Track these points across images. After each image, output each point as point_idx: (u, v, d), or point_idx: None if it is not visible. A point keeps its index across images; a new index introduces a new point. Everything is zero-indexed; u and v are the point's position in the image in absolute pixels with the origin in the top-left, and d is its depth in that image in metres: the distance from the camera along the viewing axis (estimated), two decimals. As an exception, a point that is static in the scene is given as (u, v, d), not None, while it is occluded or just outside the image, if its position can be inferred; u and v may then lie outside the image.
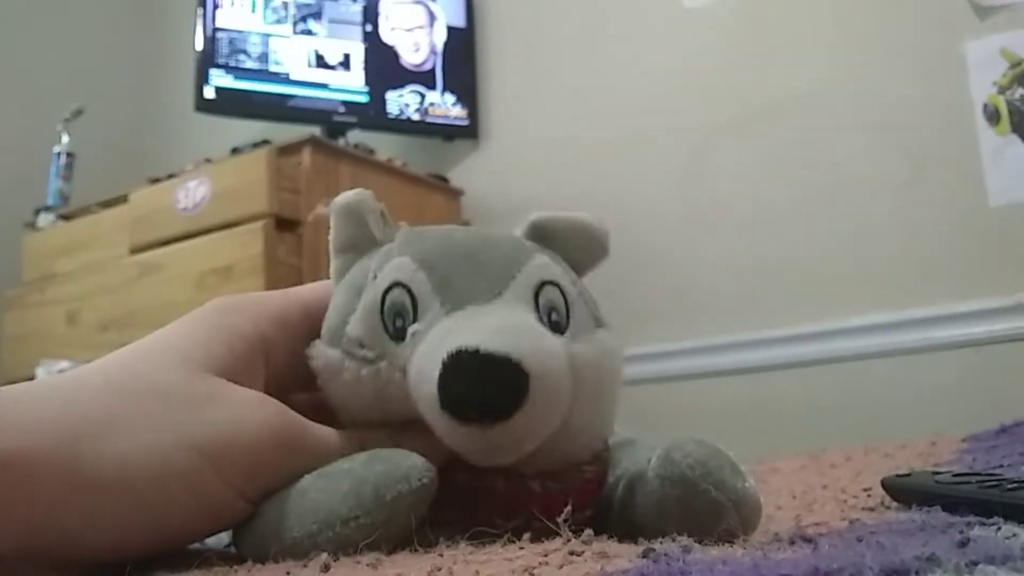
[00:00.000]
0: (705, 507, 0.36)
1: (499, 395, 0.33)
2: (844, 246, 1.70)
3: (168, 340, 0.39)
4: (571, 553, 0.28)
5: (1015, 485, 0.41)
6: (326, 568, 0.29)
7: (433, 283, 0.38)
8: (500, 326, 0.35)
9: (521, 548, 0.30)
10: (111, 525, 0.33)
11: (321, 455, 0.37)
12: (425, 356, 0.35)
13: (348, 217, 0.42)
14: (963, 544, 0.28)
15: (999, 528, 0.34)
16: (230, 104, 2.08)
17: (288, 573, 0.29)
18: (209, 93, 2.04)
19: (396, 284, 0.38)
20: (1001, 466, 0.64)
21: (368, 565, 0.29)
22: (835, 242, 1.71)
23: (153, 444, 0.33)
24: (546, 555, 0.28)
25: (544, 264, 0.41)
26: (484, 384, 0.33)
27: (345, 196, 0.42)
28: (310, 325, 0.42)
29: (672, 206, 1.91)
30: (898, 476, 0.51)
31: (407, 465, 0.34)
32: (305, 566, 0.30)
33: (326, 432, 0.39)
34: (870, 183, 1.69)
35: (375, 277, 0.39)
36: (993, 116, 1.60)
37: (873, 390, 1.61)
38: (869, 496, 0.53)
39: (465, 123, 2.20)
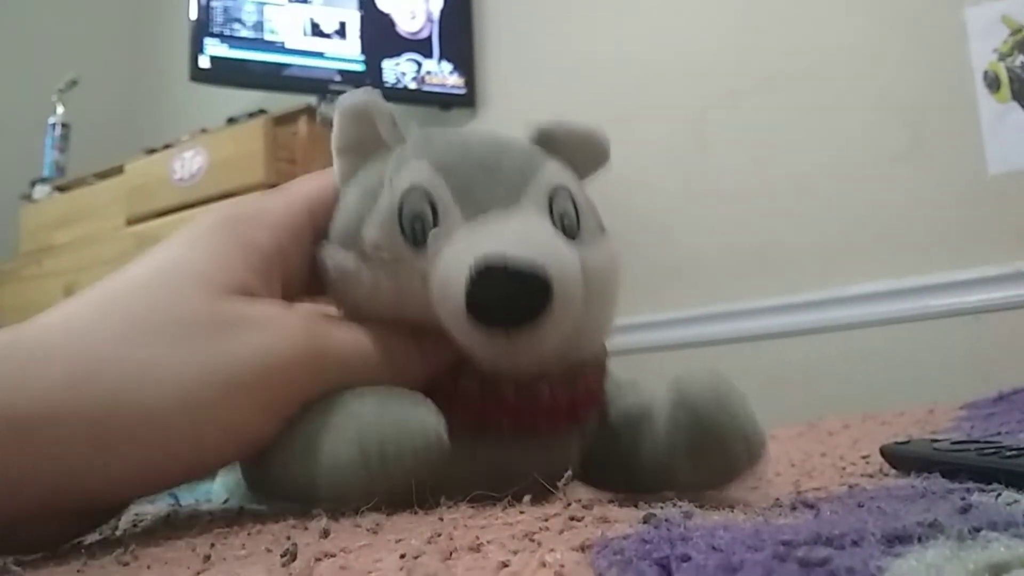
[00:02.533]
0: (713, 431, 0.37)
1: (527, 301, 0.34)
2: (843, 215, 1.69)
3: (184, 260, 0.37)
4: (571, 518, 0.28)
5: (1014, 452, 0.41)
6: (325, 534, 0.29)
7: (452, 188, 0.38)
8: (523, 234, 0.36)
9: (521, 512, 0.30)
10: (141, 473, 0.32)
11: (348, 365, 0.37)
12: (449, 262, 0.35)
13: (356, 117, 0.41)
14: (964, 510, 0.28)
15: (999, 494, 0.34)
16: (225, 73, 2.06)
17: (288, 537, 0.29)
18: (204, 63, 2.03)
19: (414, 188, 0.38)
20: (999, 433, 0.64)
21: (368, 530, 0.29)
22: (834, 211, 1.70)
23: (185, 387, 0.32)
24: (546, 519, 0.28)
25: (556, 170, 0.41)
26: (513, 291, 0.33)
27: (353, 95, 0.41)
28: (315, 224, 0.41)
29: (671, 177, 1.90)
30: (897, 443, 0.51)
31: (416, 423, 0.34)
32: (306, 528, 0.30)
33: (349, 339, 0.37)
34: (869, 151, 1.68)
35: (391, 180, 0.39)
36: (993, 83, 1.59)
37: (871, 358, 1.61)
38: (868, 463, 0.53)
39: (462, 92, 2.19)
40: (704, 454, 0.37)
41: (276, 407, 0.35)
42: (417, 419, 0.34)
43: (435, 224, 0.37)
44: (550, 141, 0.43)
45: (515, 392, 0.38)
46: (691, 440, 0.38)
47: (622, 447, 0.42)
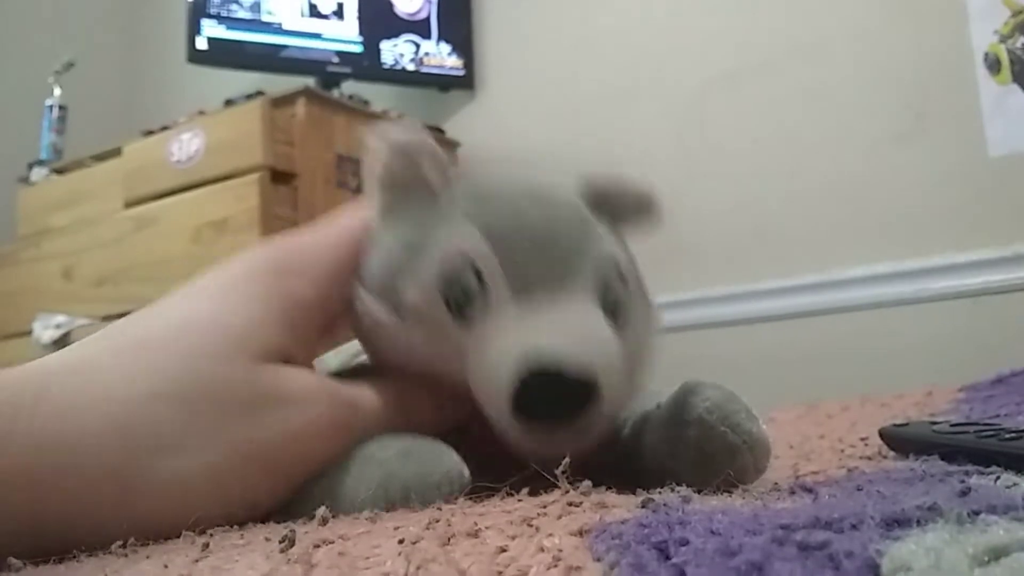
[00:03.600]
0: (720, 449, 0.37)
1: (574, 404, 0.33)
2: (842, 197, 1.69)
3: (217, 318, 0.35)
4: (569, 504, 0.28)
5: (1013, 435, 0.41)
6: (324, 521, 0.29)
7: (503, 259, 0.37)
8: (574, 329, 0.35)
9: (519, 500, 0.31)
10: (159, 526, 0.32)
11: (368, 430, 0.36)
12: (496, 354, 0.35)
13: (407, 157, 0.40)
14: (964, 493, 0.28)
15: (998, 477, 0.34)
16: (223, 55, 2.05)
17: (287, 525, 0.29)
18: (201, 44, 2.02)
19: (462, 256, 0.37)
20: (998, 416, 0.64)
21: (366, 517, 0.29)
22: (833, 193, 1.70)
23: (207, 459, 0.32)
24: (544, 507, 0.28)
25: (610, 251, 0.40)
26: (561, 395, 0.33)
27: (404, 130, 0.40)
28: (354, 266, 0.40)
29: (670, 157, 1.90)
30: (895, 426, 0.51)
31: (442, 471, 0.34)
32: (304, 518, 0.30)
33: (373, 405, 0.37)
34: (869, 133, 1.67)
35: (438, 242, 0.37)
36: (994, 65, 1.58)
37: (870, 341, 1.62)
38: (866, 446, 0.53)
39: (461, 73, 2.18)
40: (712, 466, 0.37)
41: (297, 476, 0.35)
42: (442, 465, 0.34)
43: (481, 297, 0.36)
44: (602, 198, 0.42)
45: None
46: (699, 453, 0.37)
47: (622, 452, 0.42)
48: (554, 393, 0.33)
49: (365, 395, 0.37)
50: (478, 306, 0.36)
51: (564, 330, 0.35)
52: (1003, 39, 1.58)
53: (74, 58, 2.29)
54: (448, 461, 0.34)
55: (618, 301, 0.39)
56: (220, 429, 0.33)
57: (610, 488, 0.33)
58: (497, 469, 0.36)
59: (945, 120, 1.60)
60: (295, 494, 0.35)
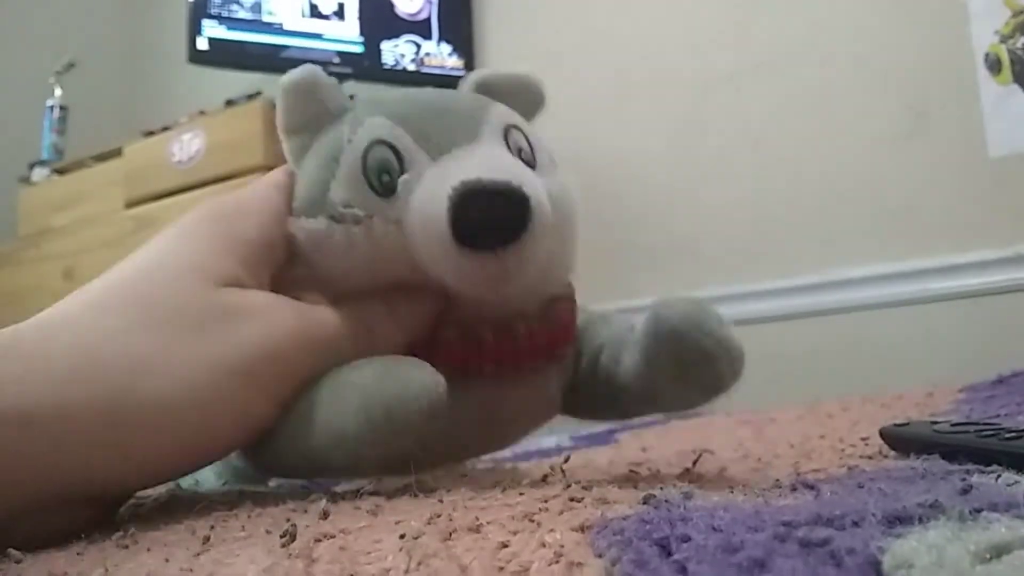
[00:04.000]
0: (697, 356, 0.38)
1: (511, 217, 0.34)
2: (843, 197, 1.69)
3: (176, 253, 0.38)
4: (571, 499, 0.28)
5: (1013, 434, 0.41)
6: (325, 515, 0.29)
7: (413, 136, 0.38)
8: (492, 160, 0.37)
9: (521, 494, 0.31)
10: (151, 462, 0.33)
11: (336, 347, 0.37)
12: (426, 196, 0.36)
13: (302, 93, 0.43)
14: (965, 491, 0.28)
15: (999, 476, 0.34)
16: (223, 55, 2.05)
17: (288, 519, 0.29)
18: (202, 44, 2.02)
19: (376, 142, 0.39)
20: (999, 416, 0.64)
21: (368, 512, 0.29)
22: (834, 193, 1.70)
23: (192, 376, 0.33)
24: (546, 501, 0.28)
25: (504, 111, 0.42)
26: (496, 208, 0.34)
27: (292, 72, 0.43)
28: (289, 209, 0.42)
29: (671, 158, 1.90)
30: (896, 425, 0.51)
31: (418, 384, 0.34)
32: (306, 511, 0.30)
33: (334, 319, 0.38)
34: (870, 133, 1.67)
35: (349, 141, 0.39)
36: (995, 65, 1.58)
37: (871, 341, 1.61)
38: (867, 445, 0.53)
39: (461, 74, 2.18)
40: (690, 375, 0.39)
41: (277, 390, 0.36)
42: (417, 380, 0.34)
43: (402, 172, 0.38)
44: (488, 90, 0.45)
45: (494, 334, 0.39)
46: (676, 364, 0.39)
47: (602, 377, 0.43)
48: (489, 207, 0.34)
49: (327, 312, 0.38)
50: (403, 178, 0.38)
51: (481, 161, 0.36)
52: (1004, 39, 1.58)
53: (75, 58, 2.29)
54: (423, 374, 0.35)
55: (526, 152, 0.41)
56: (194, 349, 0.33)
57: (611, 482, 0.33)
58: (470, 379, 0.38)
59: (946, 120, 1.60)
60: (281, 419, 0.36)
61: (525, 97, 0.46)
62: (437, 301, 0.39)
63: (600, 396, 0.45)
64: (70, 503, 0.32)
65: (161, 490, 0.46)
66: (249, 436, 0.36)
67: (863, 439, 0.56)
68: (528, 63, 2.11)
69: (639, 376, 0.41)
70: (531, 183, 0.36)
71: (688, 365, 0.38)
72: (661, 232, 1.87)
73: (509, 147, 0.40)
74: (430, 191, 0.36)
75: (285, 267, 0.41)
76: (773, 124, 1.78)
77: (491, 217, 0.34)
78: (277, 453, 0.37)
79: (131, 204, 1.91)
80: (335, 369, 0.36)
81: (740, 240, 1.79)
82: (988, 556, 0.19)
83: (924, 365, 1.49)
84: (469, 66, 2.18)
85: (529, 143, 0.42)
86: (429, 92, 0.43)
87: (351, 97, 0.44)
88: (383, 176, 0.38)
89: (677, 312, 0.39)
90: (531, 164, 0.40)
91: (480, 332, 0.39)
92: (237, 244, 0.38)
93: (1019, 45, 1.57)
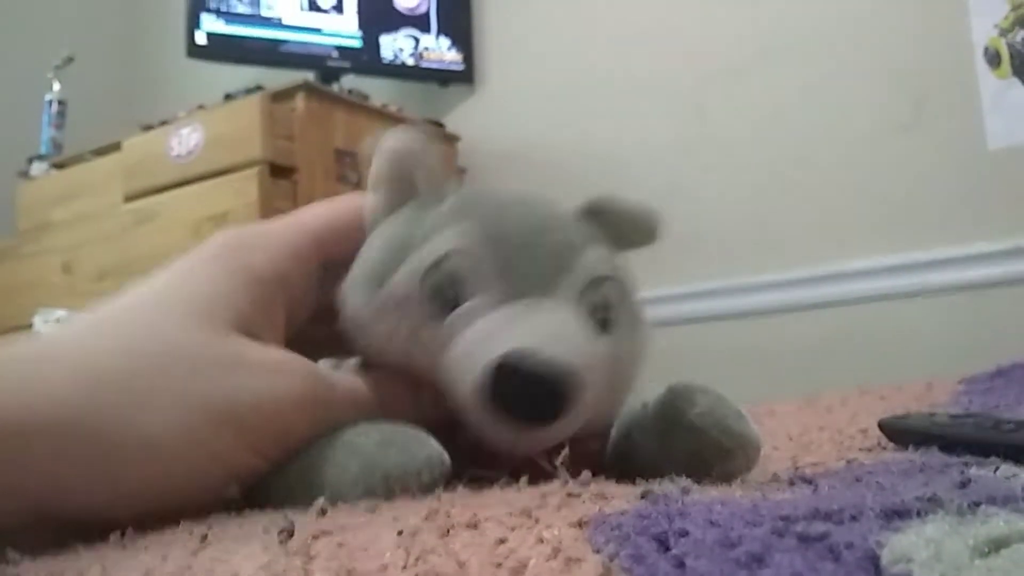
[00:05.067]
0: (714, 453, 0.37)
1: (545, 403, 0.33)
2: (842, 190, 1.69)
3: (184, 289, 0.36)
4: (569, 495, 0.28)
5: (1012, 426, 0.41)
6: (323, 512, 0.29)
7: (492, 262, 0.36)
8: (554, 330, 0.35)
9: (518, 491, 0.30)
10: (131, 494, 0.32)
11: (347, 414, 0.36)
12: (473, 347, 0.35)
13: (396, 163, 0.40)
14: (963, 485, 0.28)
15: (997, 468, 0.34)
16: (222, 49, 2.05)
17: (286, 516, 0.29)
18: (200, 38, 2.02)
19: (458, 252, 0.37)
20: (997, 407, 0.64)
21: (365, 509, 0.29)
22: (833, 186, 1.70)
23: (179, 416, 0.32)
24: (544, 497, 0.28)
25: (598, 258, 0.39)
26: (533, 393, 0.33)
27: (398, 136, 0.40)
28: (322, 250, 0.40)
29: (671, 150, 1.90)
30: (895, 418, 0.51)
31: (422, 457, 0.33)
32: (303, 509, 0.30)
33: (351, 387, 0.38)
34: (870, 126, 1.67)
35: (427, 237, 0.37)
36: (994, 59, 1.58)
37: (870, 333, 1.62)
38: (866, 437, 0.53)
39: (460, 68, 2.18)
40: (703, 465, 0.37)
41: (272, 447, 0.35)
42: (423, 453, 0.34)
43: (464, 294, 0.36)
44: (599, 216, 0.42)
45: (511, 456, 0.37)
46: (692, 459, 0.37)
47: (609, 456, 0.42)
48: (529, 390, 0.33)
49: (341, 377, 0.38)
50: (461, 302, 0.36)
51: (543, 331, 0.34)
52: (1003, 33, 1.58)
53: (74, 53, 2.28)
54: (429, 448, 0.34)
55: (607, 307, 0.39)
56: (192, 388, 0.33)
57: (609, 477, 0.33)
58: (480, 464, 0.36)
59: (945, 113, 1.60)
60: (272, 473, 0.35)
61: (637, 232, 0.43)
62: None
63: (607, 470, 0.43)
64: (44, 527, 0.31)
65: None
66: (235, 482, 0.35)
67: (862, 431, 0.56)
68: (527, 58, 2.11)
69: (648, 458, 0.39)
70: (584, 357, 0.34)
71: (704, 460, 0.37)
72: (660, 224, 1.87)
73: (587, 303, 0.38)
74: (480, 342, 0.35)
75: (313, 321, 0.40)
76: (773, 117, 1.78)
77: (526, 399, 0.33)
78: (270, 501, 0.35)
79: (130, 198, 1.91)
80: (342, 428, 0.36)
81: (739, 232, 1.79)
82: (987, 550, 0.19)
83: (923, 357, 1.49)
84: (468, 60, 2.18)
85: (616, 294, 0.40)
86: (531, 211, 0.39)
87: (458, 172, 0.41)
88: (443, 290, 0.36)
89: (695, 407, 0.38)
90: (608, 325, 0.38)
91: (496, 451, 0.37)
92: (248, 280, 0.37)
93: (1018, 39, 1.56)
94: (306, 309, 0.41)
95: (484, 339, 0.34)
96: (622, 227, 0.43)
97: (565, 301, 0.37)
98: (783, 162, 1.76)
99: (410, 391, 0.38)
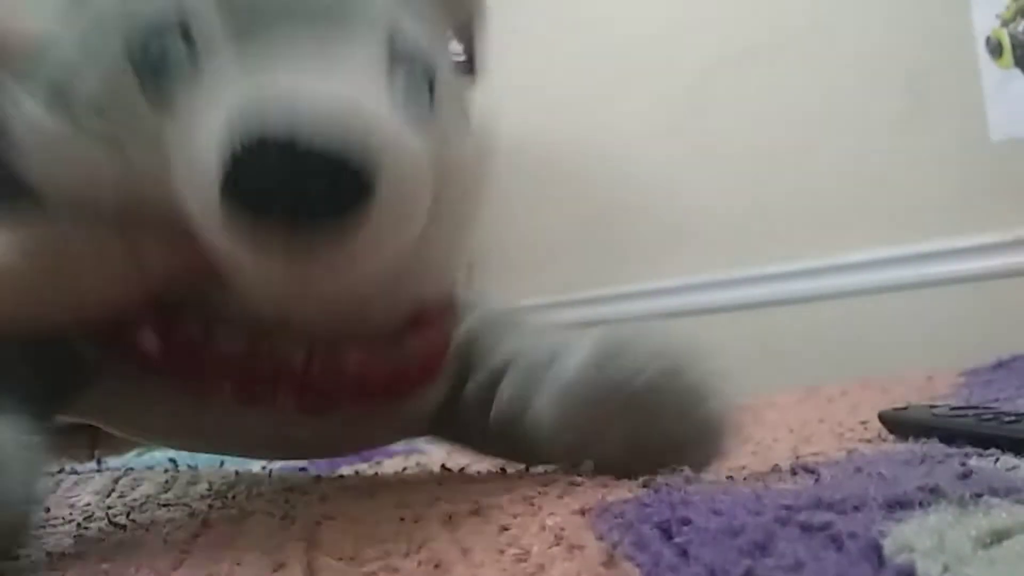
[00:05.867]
0: (664, 441, 0.28)
1: (326, 190, 0.21)
2: (843, 181, 1.68)
3: None
4: (571, 483, 0.28)
5: (1013, 418, 0.41)
6: (324, 498, 0.29)
7: (225, 19, 0.25)
8: (329, 89, 0.23)
9: (521, 477, 0.30)
10: None
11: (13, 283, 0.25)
12: (204, 123, 0.23)
13: None
14: (965, 476, 0.28)
15: (998, 459, 0.34)
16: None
17: (287, 500, 0.29)
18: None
19: (160, 18, 0.25)
20: (998, 400, 0.64)
21: (367, 494, 0.29)
22: (834, 177, 1.69)
23: None
24: (546, 484, 0.28)
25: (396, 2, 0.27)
26: (302, 173, 0.21)
27: None
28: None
29: (669, 142, 1.89)
30: (895, 410, 0.51)
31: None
32: (304, 493, 0.30)
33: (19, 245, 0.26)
34: (870, 117, 1.67)
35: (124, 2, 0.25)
36: (996, 49, 1.57)
37: (870, 325, 1.61)
38: (866, 429, 0.53)
39: (459, 60, 2.16)
40: (648, 460, 0.28)
41: None
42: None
43: (189, 60, 0.25)
44: None
45: (306, 364, 0.26)
46: (628, 447, 0.28)
47: (499, 416, 0.31)
48: (290, 169, 0.21)
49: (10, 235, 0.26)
50: (185, 75, 0.24)
51: (310, 87, 0.23)
52: (1005, 23, 1.57)
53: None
54: (11, 491, 0.22)
55: (416, 86, 0.26)
56: None
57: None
58: (246, 379, 0.26)
59: (947, 105, 1.60)
60: None
61: None
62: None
63: (491, 434, 0.32)
64: None
65: (159, 472, 0.46)
66: None
67: (862, 423, 0.56)
68: (526, 47, 2.10)
69: (561, 430, 0.28)
70: (390, 138, 0.23)
71: (647, 448, 0.28)
72: (657, 216, 1.87)
73: (390, 73, 0.26)
74: (212, 116, 0.23)
75: None
76: (772, 108, 1.77)
77: (291, 181, 0.21)
78: None
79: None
80: None
81: (739, 224, 1.79)
82: (989, 541, 0.19)
83: (923, 349, 1.49)
84: (466, 52, 2.17)
85: (432, 67, 0.27)
86: None
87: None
88: (157, 66, 0.24)
89: (644, 373, 0.27)
90: (422, 105, 0.26)
91: (285, 351, 0.26)
92: None
93: (1020, 29, 1.56)
94: None
95: (216, 116, 0.22)
96: None
97: (352, 55, 0.25)
98: (783, 153, 1.75)
99: (121, 242, 0.26)
